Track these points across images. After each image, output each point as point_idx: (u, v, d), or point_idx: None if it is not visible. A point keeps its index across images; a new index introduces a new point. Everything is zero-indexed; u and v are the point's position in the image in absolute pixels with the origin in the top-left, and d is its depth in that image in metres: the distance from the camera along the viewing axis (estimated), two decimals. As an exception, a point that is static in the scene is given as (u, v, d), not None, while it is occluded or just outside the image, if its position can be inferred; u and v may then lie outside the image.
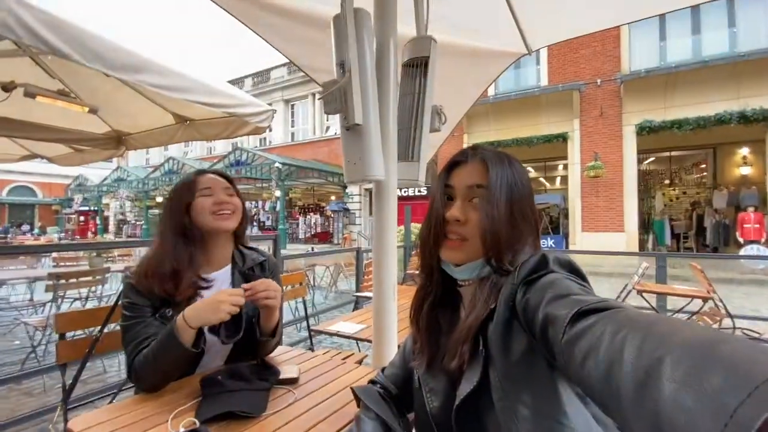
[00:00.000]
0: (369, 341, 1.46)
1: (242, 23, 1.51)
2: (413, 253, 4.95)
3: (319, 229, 17.96)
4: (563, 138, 10.91)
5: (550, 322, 0.46)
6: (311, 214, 18.59)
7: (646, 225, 11.88)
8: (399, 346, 0.90)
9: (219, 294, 0.99)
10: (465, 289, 0.70)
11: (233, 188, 1.21)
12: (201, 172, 1.19)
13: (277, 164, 14.00)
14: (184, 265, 1.08)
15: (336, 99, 1.05)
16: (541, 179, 14.13)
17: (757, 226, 9.18)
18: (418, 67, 1.27)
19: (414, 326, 0.75)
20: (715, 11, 9.56)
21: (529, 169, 13.25)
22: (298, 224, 18.21)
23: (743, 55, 8.81)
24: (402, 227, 6.25)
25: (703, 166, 12.17)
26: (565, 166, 11.75)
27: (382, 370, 0.88)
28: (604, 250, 8.79)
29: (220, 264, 1.19)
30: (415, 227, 6.04)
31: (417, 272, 0.76)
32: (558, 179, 14.14)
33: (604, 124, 10.52)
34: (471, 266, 0.66)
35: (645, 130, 9.81)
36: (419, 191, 13.19)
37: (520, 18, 1.73)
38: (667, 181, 13.16)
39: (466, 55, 1.92)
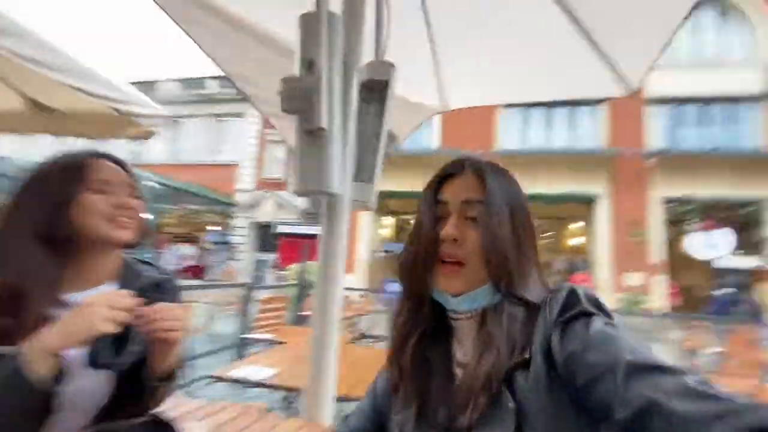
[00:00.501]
0: (290, 389, 1.22)
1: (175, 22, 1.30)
2: (309, 293, 4.66)
3: (192, 262, 15.84)
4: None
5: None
6: (183, 244, 16.39)
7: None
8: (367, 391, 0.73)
9: (95, 297, 0.69)
10: (461, 322, 0.61)
11: (137, 187, 0.92)
12: (96, 155, 0.88)
13: (151, 183, 12.17)
14: (37, 283, 0.73)
15: (298, 97, 0.93)
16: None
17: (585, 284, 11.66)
18: (376, 90, 1.24)
19: (395, 369, 0.62)
20: (560, 113, 12.38)
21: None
22: (165, 254, 15.77)
23: (578, 151, 11.47)
24: (294, 266, 5.93)
25: (552, 233, 14.92)
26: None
27: (345, 418, 0.71)
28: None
29: (98, 280, 0.85)
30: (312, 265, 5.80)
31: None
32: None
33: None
34: (473, 295, 0.57)
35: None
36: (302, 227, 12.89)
37: (443, 75, 1.85)
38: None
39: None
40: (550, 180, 11.77)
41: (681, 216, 11.21)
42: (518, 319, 0.55)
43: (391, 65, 1.25)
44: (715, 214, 10.49)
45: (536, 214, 0.63)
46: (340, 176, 0.97)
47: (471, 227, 0.58)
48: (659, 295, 10.55)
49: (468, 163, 0.63)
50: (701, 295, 11.60)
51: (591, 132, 12.12)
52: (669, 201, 11.05)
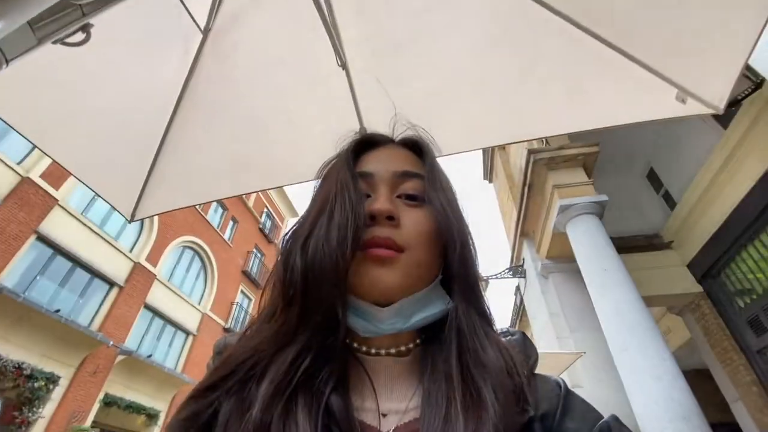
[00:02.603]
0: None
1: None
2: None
3: None
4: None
5: None
6: None
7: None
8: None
9: None
10: (374, 361, 0.40)
11: None
12: None
13: None
14: None
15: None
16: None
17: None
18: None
19: None
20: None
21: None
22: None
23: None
24: None
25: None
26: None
27: None
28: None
29: None
30: None
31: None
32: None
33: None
34: (410, 303, 0.39)
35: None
36: None
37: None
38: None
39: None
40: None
41: None
42: (497, 345, 0.40)
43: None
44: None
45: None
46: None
47: (407, 208, 0.43)
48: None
49: (395, 138, 0.51)
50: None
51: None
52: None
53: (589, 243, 3.60)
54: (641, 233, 5.42)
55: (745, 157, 3.88)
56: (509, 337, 0.47)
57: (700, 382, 3.23)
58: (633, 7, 1.14)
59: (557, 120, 1.46)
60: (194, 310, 14.05)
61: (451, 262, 0.42)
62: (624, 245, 4.43)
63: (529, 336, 0.50)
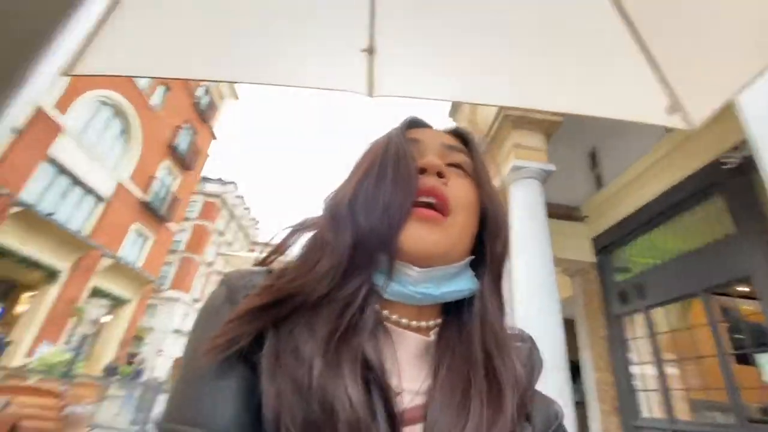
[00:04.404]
0: None
1: None
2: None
3: None
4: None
5: None
6: None
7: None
8: None
9: None
10: (399, 333, 0.40)
11: None
12: None
13: None
14: None
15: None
16: None
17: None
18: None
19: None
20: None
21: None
22: None
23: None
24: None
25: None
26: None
27: None
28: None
29: None
30: None
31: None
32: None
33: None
34: (445, 271, 0.39)
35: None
36: None
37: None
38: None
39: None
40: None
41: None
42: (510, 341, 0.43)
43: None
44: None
45: None
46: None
47: (454, 174, 0.44)
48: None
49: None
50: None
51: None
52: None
53: (526, 206, 3.94)
54: (564, 203, 6.03)
55: (669, 164, 4.37)
56: (519, 343, 0.45)
57: (567, 328, 4.02)
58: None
59: (560, 97, 1.48)
60: (109, 175, 12.80)
61: (492, 248, 0.43)
62: (549, 210, 4.88)
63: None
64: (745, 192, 3.48)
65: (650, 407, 4.46)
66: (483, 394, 0.35)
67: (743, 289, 3.67)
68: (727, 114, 1.84)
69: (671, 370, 4.28)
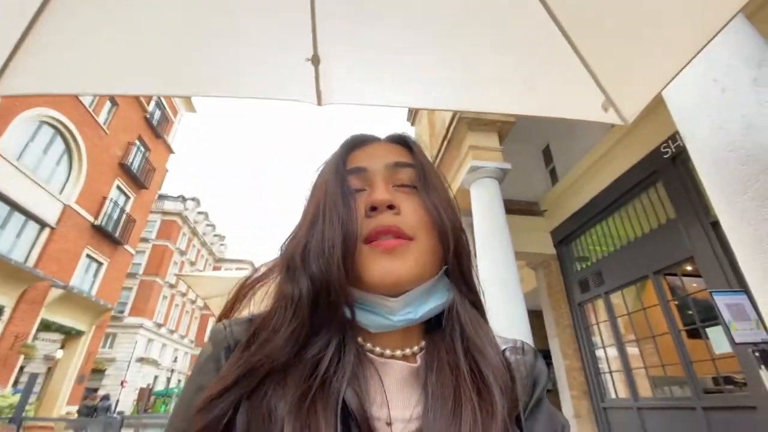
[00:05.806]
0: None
1: None
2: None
3: None
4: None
5: None
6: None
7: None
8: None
9: None
10: (385, 364, 0.40)
11: None
12: None
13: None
14: None
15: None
16: None
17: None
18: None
19: None
20: None
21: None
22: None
23: None
24: None
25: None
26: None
27: None
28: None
29: None
30: None
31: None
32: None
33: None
34: (420, 293, 0.40)
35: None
36: None
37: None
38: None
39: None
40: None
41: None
42: (492, 341, 0.42)
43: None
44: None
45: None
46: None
47: (404, 195, 0.44)
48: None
49: (381, 136, 0.52)
50: None
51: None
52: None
53: (486, 204, 4.04)
54: (524, 199, 6.26)
55: (615, 156, 4.65)
56: (519, 355, 0.44)
57: (534, 319, 4.14)
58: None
59: (505, 99, 1.53)
60: (53, 200, 11.93)
61: (446, 254, 0.43)
62: (509, 207, 5.05)
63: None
64: (683, 178, 3.76)
65: (617, 388, 4.69)
66: (473, 399, 0.35)
67: (688, 268, 3.95)
68: (662, 107, 1.97)
69: (632, 350, 4.53)
